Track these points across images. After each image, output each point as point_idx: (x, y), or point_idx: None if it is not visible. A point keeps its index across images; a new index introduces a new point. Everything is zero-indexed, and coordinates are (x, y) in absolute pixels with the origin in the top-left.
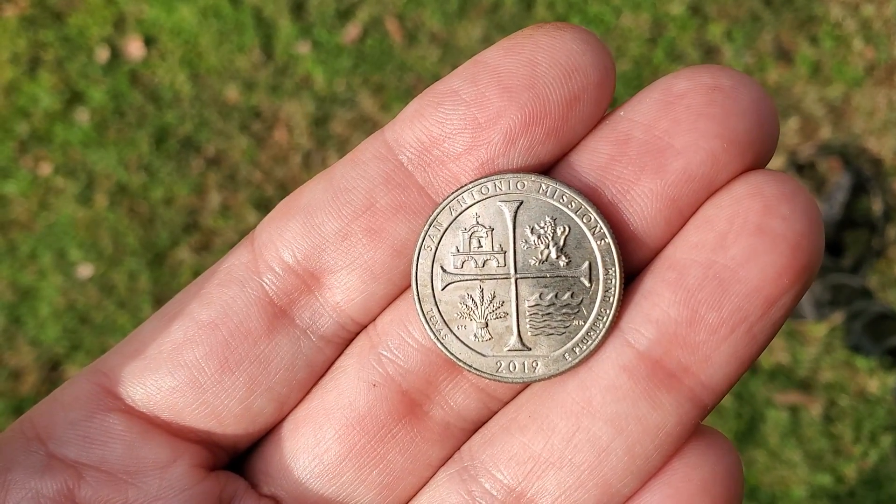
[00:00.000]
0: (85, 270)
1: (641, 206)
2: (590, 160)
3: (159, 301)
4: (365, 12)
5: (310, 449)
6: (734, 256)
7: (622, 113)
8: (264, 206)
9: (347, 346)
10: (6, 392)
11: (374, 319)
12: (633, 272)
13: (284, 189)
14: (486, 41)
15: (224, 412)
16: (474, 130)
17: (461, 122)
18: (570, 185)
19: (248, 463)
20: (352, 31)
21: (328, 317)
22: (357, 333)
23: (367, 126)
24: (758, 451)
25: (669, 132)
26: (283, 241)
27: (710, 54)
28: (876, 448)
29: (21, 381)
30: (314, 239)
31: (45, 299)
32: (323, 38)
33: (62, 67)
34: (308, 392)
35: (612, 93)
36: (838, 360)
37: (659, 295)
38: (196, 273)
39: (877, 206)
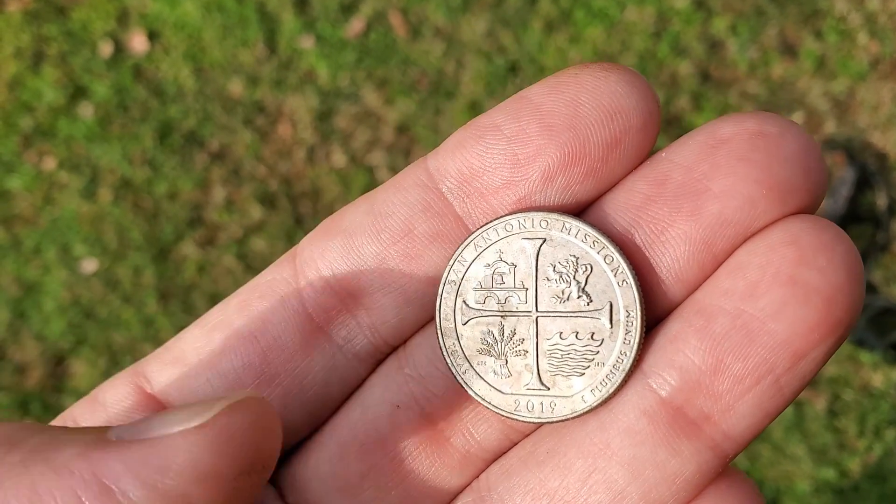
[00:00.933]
0: (89, 265)
1: (675, 248)
2: (626, 199)
3: (164, 296)
4: (368, 6)
5: (332, 464)
6: (763, 307)
7: (664, 154)
8: (268, 201)
9: (379, 365)
10: (11, 387)
11: (405, 341)
12: (662, 314)
13: (288, 184)
14: (491, 35)
15: None
16: (513, 166)
17: (501, 156)
18: (593, 226)
19: (277, 470)
20: (355, 25)
21: (363, 336)
22: (388, 354)
23: (371, 120)
24: (762, 446)
25: (708, 175)
26: (323, 260)
27: (714, 48)
28: (880, 442)
29: (26, 375)
30: (353, 260)
31: (50, 294)
32: (326, 33)
33: (66, 62)
34: (338, 407)
35: (656, 137)
36: (842, 355)
37: (684, 341)
38: (200, 268)
39: (881, 200)
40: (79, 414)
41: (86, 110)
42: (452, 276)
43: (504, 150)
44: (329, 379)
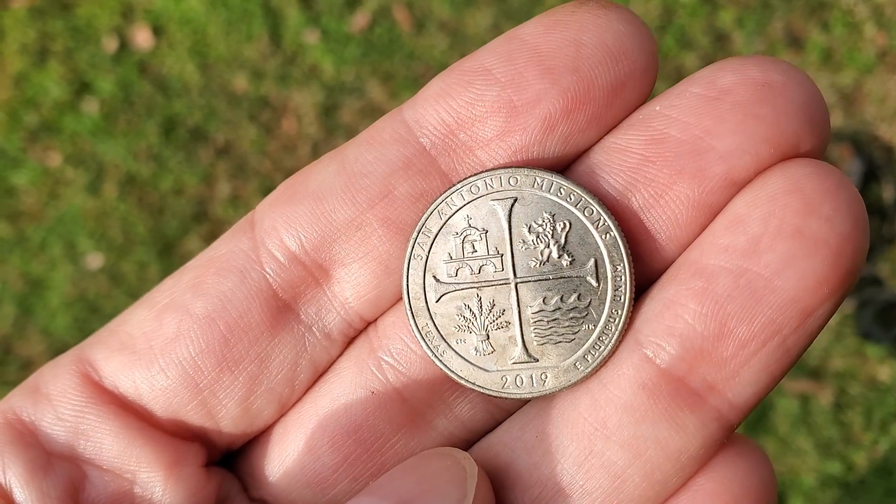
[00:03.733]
0: (95, 260)
1: (674, 212)
2: (620, 161)
3: None
4: (373, 0)
5: (301, 456)
6: (768, 263)
7: (658, 108)
8: None
9: (350, 345)
10: (18, 382)
11: (375, 320)
12: (654, 275)
13: None
14: (496, 29)
15: (222, 413)
16: (509, 114)
17: (494, 103)
18: (567, 178)
19: (238, 461)
20: (360, 19)
21: (335, 313)
22: (361, 331)
23: (376, 115)
24: (768, 440)
25: (711, 132)
26: (288, 228)
27: (720, 41)
28: (886, 436)
29: (32, 370)
30: (324, 227)
31: (56, 289)
32: (331, 27)
33: (71, 58)
34: (304, 392)
35: (655, 80)
36: (849, 348)
37: (683, 305)
38: None
39: (888, 193)
40: (19, 406)
41: (91, 106)
42: (417, 251)
43: (497, 97)
44: (298, 361)
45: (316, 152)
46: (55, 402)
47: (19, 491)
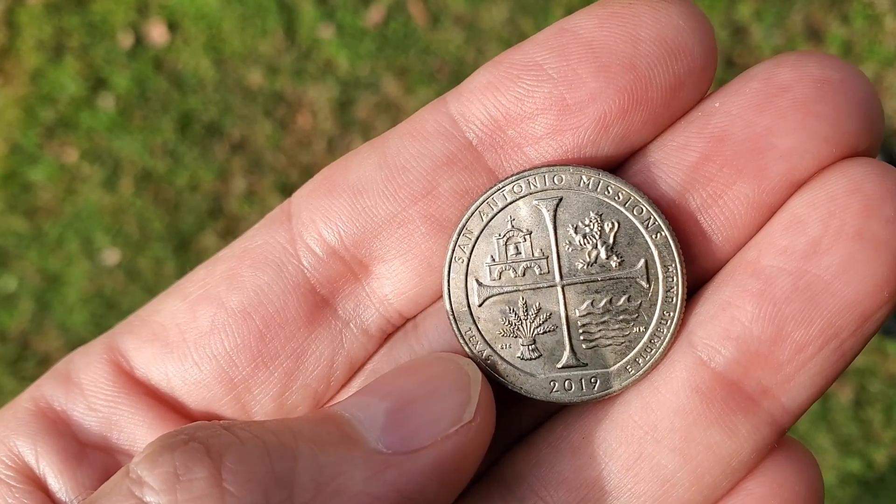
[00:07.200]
0: (111, 256)
1: (733, 212)
2: (678, 158)
3: None
4: None
5: None
6: (829, 266)
7: (717, 104)
8: (289, 192)
9: (387, 340)
10: (35, 378)
11: (414, 316)
12: (705, 275)
13: (309, 174)
14: (511, 23)
15: (255, 408)
16: (561, 113)
17: (545, 101)
18: (614, 176)
19: None
20: (375, 14)
21: (374, 309)
22: (399, 327)
23: (392, 111)
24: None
25: (772, 130)
26: (327, 222)
27: (738, 34)
28: None
29: (50, 366)
30: (364, 222)
31: (73, 285)
32: (346, 22)
33: (87, 53)
34: (340, 388)
35: (713, 78)
36: (869, 345)
37: (740, 307)
38: None
39: None
40: (50, 394)
41: (107, 102)
42: (458, 253)
43: (549, 94)
44: (334, 357)
45: (331, 148)
46: (87, 391)
47: (54, 480)
